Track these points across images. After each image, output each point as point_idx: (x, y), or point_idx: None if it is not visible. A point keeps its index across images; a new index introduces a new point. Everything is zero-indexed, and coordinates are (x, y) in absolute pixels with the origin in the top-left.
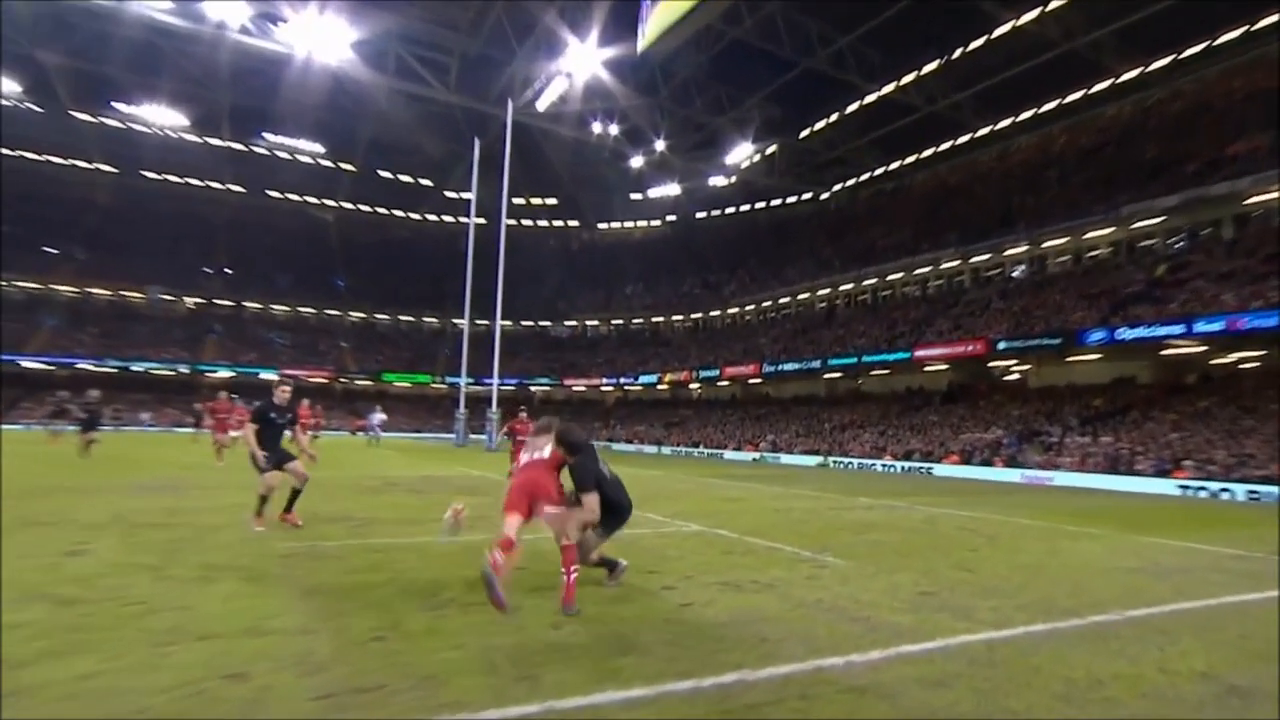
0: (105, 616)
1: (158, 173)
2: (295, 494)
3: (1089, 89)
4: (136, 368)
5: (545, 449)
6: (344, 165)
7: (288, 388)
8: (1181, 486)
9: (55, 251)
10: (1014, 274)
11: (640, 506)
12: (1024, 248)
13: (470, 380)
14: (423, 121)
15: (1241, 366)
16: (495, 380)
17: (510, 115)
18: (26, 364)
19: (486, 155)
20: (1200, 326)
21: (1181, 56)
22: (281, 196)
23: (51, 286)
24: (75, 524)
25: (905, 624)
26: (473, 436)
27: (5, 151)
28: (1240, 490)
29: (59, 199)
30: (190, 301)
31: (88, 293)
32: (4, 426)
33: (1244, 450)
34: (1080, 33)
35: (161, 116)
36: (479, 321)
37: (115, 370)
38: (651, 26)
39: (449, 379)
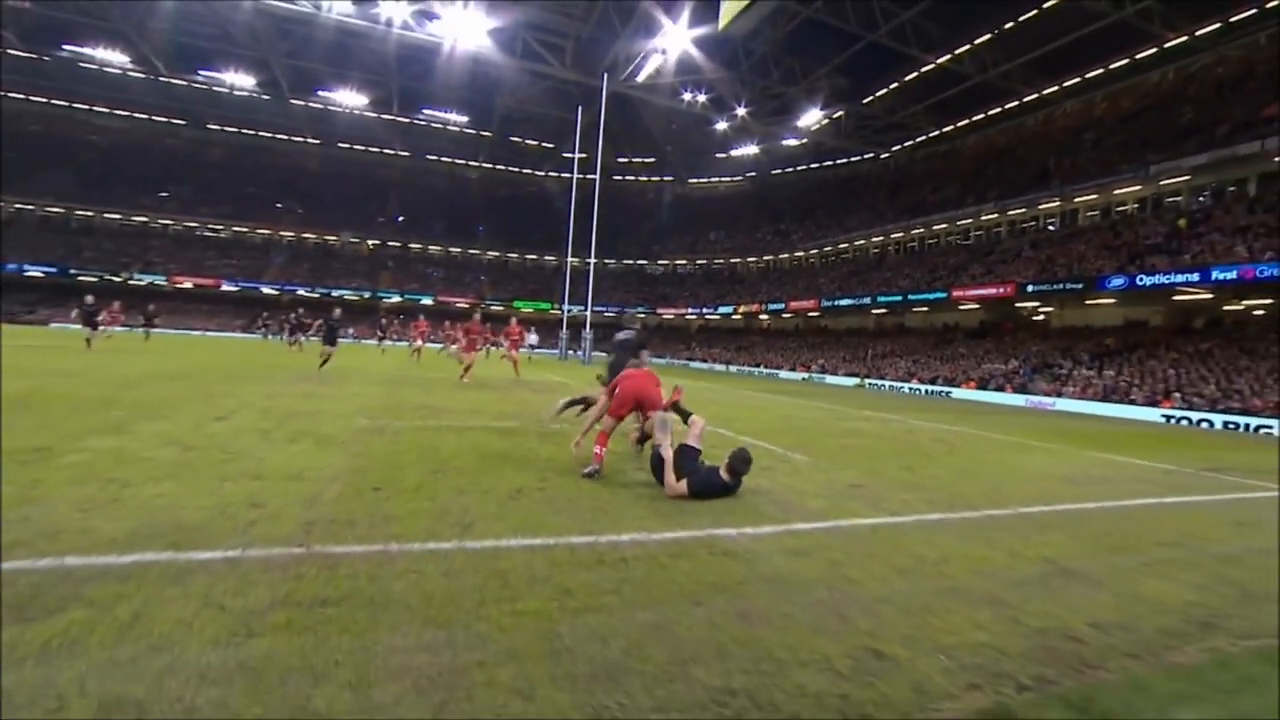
0: (204, 460)
1: (348, 143)
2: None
3: (1134, 56)
4: (334, 293)
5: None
6: (483, 133)
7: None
8: (1165, 415)
9: (280, 206)
10: (1047, 226)
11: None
12: (1056, 203)
13: (583, 309)
14: (544, 95)
15: (1257, 313)
16: (589, 307)
17: (605, 86)
18: (264, 290)
19: (594, 122)
20: (1215, 274)
21: (1231, 20)
22: (436, 160)
23: (280, 233)
24: (238, 399)
25: (816, 508)
26: (576, 353)
27: (247, 132)
28: (1219, 420)
29: (282, 167)
30: (370, 243)
31: (302, 237)
32: (233, 335)
33: (1233, 386)
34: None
35: (349, 99)
36: (587, 260)
37: (319, 296)
38: (725, 10)
39: (565, 307)
